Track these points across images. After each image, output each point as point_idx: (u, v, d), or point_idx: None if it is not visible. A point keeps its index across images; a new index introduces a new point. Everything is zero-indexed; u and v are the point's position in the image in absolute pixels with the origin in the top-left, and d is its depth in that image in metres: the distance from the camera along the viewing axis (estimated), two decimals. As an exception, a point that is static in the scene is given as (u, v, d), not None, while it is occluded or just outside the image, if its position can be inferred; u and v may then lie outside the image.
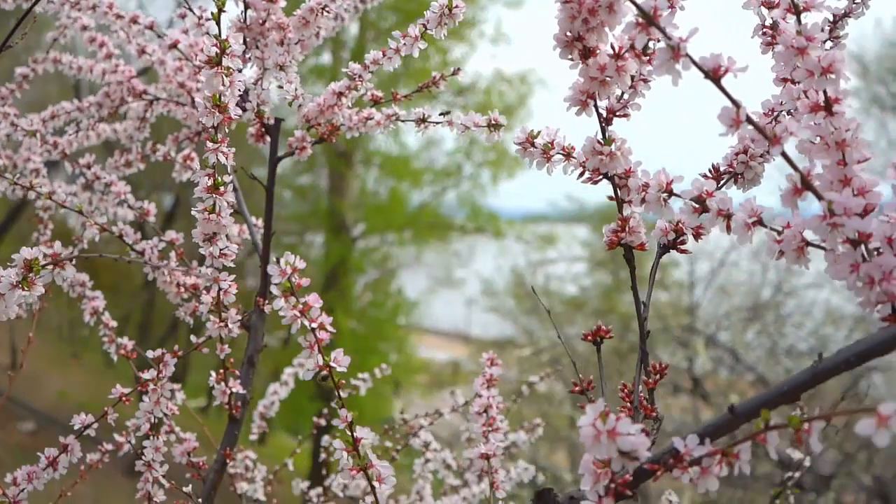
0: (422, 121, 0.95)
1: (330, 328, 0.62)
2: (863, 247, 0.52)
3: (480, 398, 0.95)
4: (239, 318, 0.90)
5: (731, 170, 0.67)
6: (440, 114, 0.95)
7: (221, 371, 0.95)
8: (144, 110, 1.17)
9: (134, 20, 1.08)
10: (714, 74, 0.50)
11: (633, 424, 0.50)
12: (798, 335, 7.06)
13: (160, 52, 1.12)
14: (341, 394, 0.63)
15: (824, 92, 0.53)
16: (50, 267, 0.67)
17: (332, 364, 0.62)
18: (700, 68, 0.50)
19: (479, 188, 11.87)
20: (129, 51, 1.15)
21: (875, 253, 0.52)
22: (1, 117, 1.10)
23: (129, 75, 1.18)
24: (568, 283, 10.41)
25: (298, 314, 0.61)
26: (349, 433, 0.64)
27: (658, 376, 0.64)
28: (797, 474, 1.07)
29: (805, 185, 0.51)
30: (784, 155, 0.50)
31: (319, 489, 1.32)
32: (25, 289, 0.66)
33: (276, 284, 0.60)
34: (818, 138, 0.53)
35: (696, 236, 0.65)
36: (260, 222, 1.11)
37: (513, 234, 11.13)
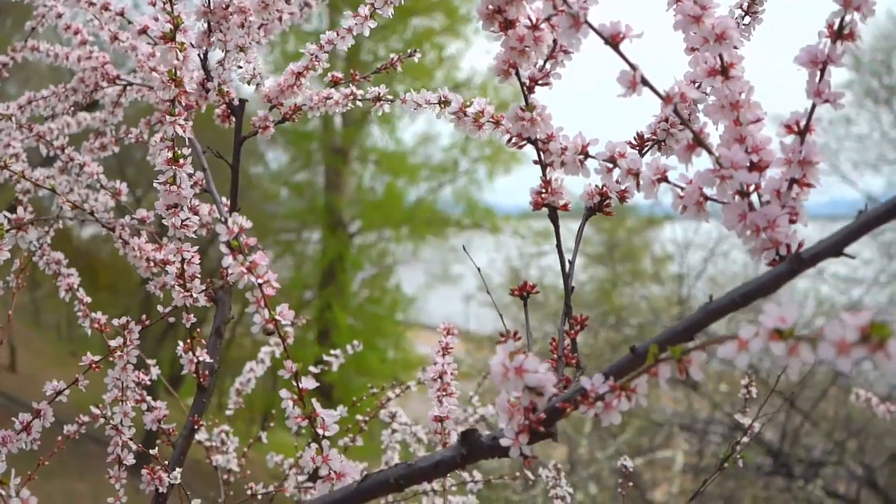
0: (377, 99, 1.00)
1: (275, 284, 0.66)
2: (755, 198, 0.56)
3: (436, 365, 1.00)
4: (203, 288, 0.94)
5: (654, 137, 0.71)
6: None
7: (189, 341, 0.99)
8: (118, 95, 1.21)
9: (105, 7, 1.12)
10: (613, 41, 0.54)
11: (541, 363, 0.55)
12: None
13: (132, 39, 1.16)
14: (286, 344, 0.68)
15: (720, 57, 0.57)
16: (14, 231, 0.71)
17: (278, 318, 0.67)
18: (600, 35, 0.54)
19: (475, 184, 11.92)
20: (103, 37, 1.20)
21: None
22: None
23: (103, 61, 1.22)
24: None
25: (245, 271, 0.65)
26: (295, 384, 0.68)
27: (579, 327, 0.69)
28: (745, 439, 1.11)
29: (697, 141, 0.55)
30: (676, 113, 0.55)
31: (291, 460, 1.37)
32: (-9, 253, 0.71)
33: (223, 243, 0.64)
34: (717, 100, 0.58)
35: (622, 199, 0.70)
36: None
37: (509, 230, 11.18)
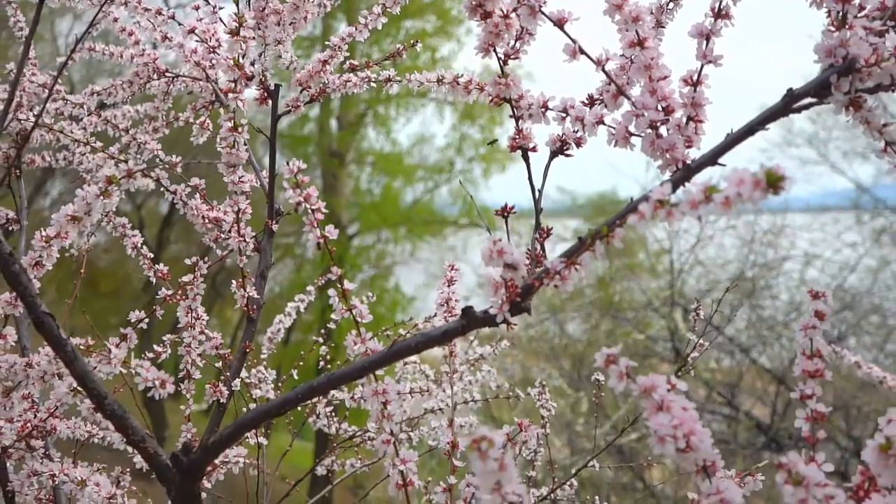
0: (387, 80, 1.23)
1: (324, 210, 0.90)
2: (664, 130, 0.80)
3: (442, 293, 1.23)
4: (254, 234, 1.18)
5: (600, 97, 0.95)
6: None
7: (240, 279, 1.23)
8: (167, 86, 1.45)
9: (158, 12, 1.36)
10: (560, 23, 0.78)
11: (516, 248, 0.78)
12: (777, 307, 7.38)
13: (180, 37, 1.39)
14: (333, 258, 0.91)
15: (637, 33, 0.81)
16: (125, 178, 0.95)
17: (327, 234, 0.90)
18: (551, 20, 0.78)
19: (471, 183, 12.17)
20: (148, 37, 1.43)
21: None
22: (55, 93, 1.38)
23: (154, 57, 1.45)
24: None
25: (302, 200, 0.89)
26: (339, 286, 0.92)
27: (546, 234, 0.92)
28: (695, 354, 1.35)
29: (619, 91, 0.79)
30: (605, 72, 0.78)
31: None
32: (106, 198, 0.94)
33: (286, 179, 0.88)
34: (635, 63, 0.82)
35: (577, 144, 0.93)
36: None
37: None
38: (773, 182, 0.55)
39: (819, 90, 0.71)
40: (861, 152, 9.27)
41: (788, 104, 0.72)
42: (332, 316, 0.93)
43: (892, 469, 0.53)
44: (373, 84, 1.26)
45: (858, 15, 0.73)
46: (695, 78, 0.80)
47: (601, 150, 0.83)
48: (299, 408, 1.64)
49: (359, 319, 0.91)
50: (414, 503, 0.91)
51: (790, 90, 0.72)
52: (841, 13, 0.71)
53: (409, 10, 10.62)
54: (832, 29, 0.72)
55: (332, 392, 1.68)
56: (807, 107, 0.73)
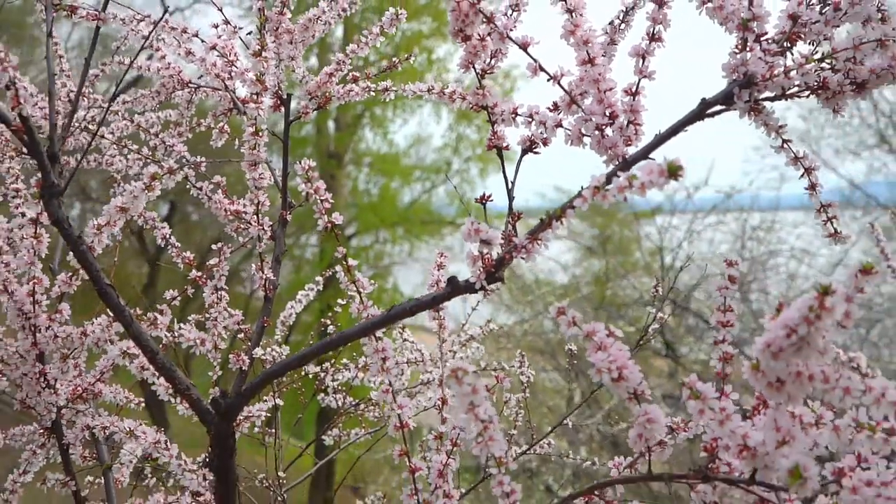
0: (386, 90, 1.42)
1: (330, 200, 1.09)
2: (609, 131, 0.99)
3: (433, 276, 1.42)
4: (271, 223, 1.36)
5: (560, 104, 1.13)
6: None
7: (259, 263, 1.42)
8: (191, 94, 1.64)
9: (184, 30, 1.54)
10: (524, 46, 0.97)
11: (491, 228, 0.97)
12: (768, 301, 7.57)
13: (202, 52, 1.58)
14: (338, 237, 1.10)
15: (587, 52, 0.99)
16: (167, 175, 1.13)
17: (333, 220, 1.09)
18: (516, 43, 0.97)
19: (468, 183, 12.34)
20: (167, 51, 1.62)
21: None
22: (91, 101, 1.57)
23: (178, 70, 1.64)
24: (558, 272, 10.85)
25: (312, 192, 1.07)
26: (345, 262, 1.11)
27: (518, 217, 1.11)
28: (655, 327, 1.53)
29: (572, 100, 0.98)
30: (560, 86, 0.97)
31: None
32: (149, 191, 1.13)
33: (298, 175, 1.07)
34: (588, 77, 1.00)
35: (544, 144, 1.12)
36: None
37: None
38: (672, 171, 0.74)
39: (725, 99, 0.90)
40: (853, 150, 9.46)
41: (703, 110, 0.91)
42: (339, 301, 1.11)
43: (760, 382, 0.71)
44: (372, 93, 1.44)
45: (762, 38, 0.92)
46: (633, 89, 0.99)
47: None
48: (309, 375, 1.82)
49: (361, 290, 1.10)
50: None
51: (703, 99, 0.91)
52: (742, 38, 0.90)
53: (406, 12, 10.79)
54: (736, 51, 0.90)
55: (339, 369, 1.86)
56: (718, 112, 0.92)
